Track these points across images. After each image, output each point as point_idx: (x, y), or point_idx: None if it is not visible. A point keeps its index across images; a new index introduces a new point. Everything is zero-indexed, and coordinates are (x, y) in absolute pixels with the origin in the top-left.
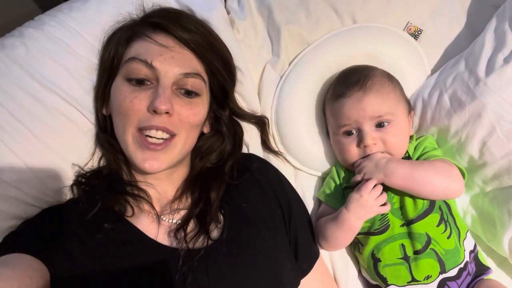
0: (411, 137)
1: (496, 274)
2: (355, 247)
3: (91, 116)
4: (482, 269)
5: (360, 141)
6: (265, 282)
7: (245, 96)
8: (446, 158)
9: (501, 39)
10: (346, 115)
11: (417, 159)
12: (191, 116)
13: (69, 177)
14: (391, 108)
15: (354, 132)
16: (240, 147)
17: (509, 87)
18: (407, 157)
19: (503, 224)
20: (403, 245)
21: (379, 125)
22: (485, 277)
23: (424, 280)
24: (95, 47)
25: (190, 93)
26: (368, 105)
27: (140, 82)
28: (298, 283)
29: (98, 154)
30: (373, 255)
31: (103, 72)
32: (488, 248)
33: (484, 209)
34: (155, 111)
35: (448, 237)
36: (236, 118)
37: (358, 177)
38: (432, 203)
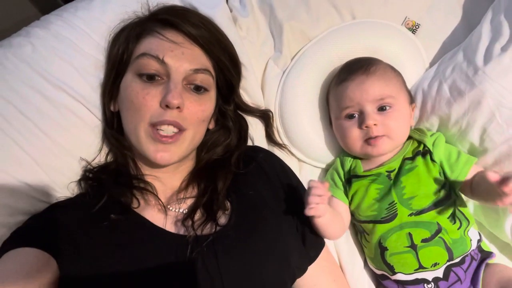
0: (421, 131)
1: (498, 259)
2: (362, 237)
3: (98, 113)
4: (485, 254)
5: (362, 122)
6: (274, 266)
7: (249, 90)
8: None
9: (498, 29)
10: (349, 96)
11: (446, 168)
12: (199, 112)
13: (76, 173)
14: (393, 92)
15: (356, 115)
16: (246, 140)
17: (508, 74)
18: (427, 150)
19: (505, 211)
20: (410, 234)
21: (381, 108)
22: (489, 260)
23: (431, 267)
24: (101, 45)
25: (199, 89)
26: (370, 87)
27: (151, 78)
28: (306, 269)
29: (105, 150)
30: (380, 243)
31: (112, 69)
32: (490, 234)
33: None
34: (167, 106)
35: (459, 228)
36: (241, 113)
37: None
38: (447, 195)
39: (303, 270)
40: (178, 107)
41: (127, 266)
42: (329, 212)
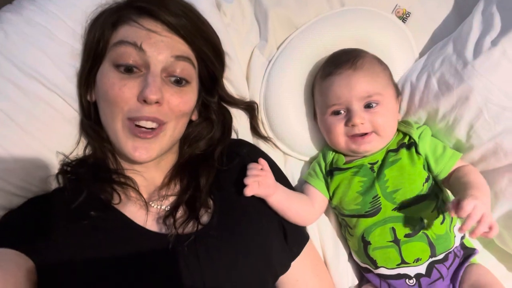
0: (407, 123)
1: (482, 254)
2: (345, 230)
3: (75, 104)
4: (468, 251)
5: (349, 120)
6: (256, 265)
7: (233, 81)
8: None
9: (489, 21)
10: (336, 93)
11: (431, 161)
12: (181, 105)
13: (54, 166)
14: (380, 89)
15: (343, 112)
16: (229, 133)
17: (497, 70)
18: (413, 143)
19: (490, 206)
20: (393, 229)
21: (368, 105)
22: (472, 258)
23: (413, 262)
24: (76, 32)
25: (180, 82)
26: (357, 84)
27: (129, 70)
28: (289, 266)
29: (83, 142)
30: (363, 237)
31: (88, 57)
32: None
33: None
34: (145, 101)
35: (442, 223)
36: (224, 104)
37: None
38: (430, 190)
39: (286, 267)
40: (157, 102)
41: (106, 266)
42: (282, 191)
